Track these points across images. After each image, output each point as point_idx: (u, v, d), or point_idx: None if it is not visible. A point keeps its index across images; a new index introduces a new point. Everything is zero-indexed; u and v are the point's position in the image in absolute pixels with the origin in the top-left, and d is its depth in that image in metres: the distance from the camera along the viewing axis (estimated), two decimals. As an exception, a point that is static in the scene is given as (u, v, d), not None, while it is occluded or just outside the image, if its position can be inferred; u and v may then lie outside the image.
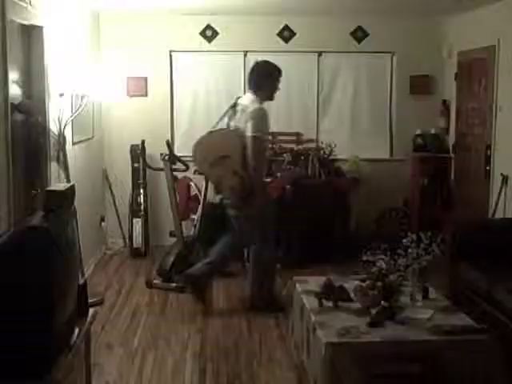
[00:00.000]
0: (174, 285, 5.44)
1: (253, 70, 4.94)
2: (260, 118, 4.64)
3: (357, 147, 7.02)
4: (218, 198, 5.19)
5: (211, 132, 4.91)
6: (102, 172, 6.90)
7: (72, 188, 3.20)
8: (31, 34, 4.61)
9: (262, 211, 4.76)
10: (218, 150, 4.65)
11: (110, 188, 6.94)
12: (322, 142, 6.91)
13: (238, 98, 4.94)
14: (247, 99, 4.82)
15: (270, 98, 4.86)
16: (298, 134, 7.06)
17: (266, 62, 4.97)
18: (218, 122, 4.98)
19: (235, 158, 4.59)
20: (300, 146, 6.97)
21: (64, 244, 2.94)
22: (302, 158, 6.70)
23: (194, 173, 6.00)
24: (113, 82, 6.64)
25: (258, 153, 4.63)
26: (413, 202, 6.91)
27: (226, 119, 4.97)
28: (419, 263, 3.66)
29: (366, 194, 6.61)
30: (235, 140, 4.64)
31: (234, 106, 4.84)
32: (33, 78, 4.65)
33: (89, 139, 6.18)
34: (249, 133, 4.60)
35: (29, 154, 4.49)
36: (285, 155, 6.75)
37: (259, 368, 3.94)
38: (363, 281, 3.82)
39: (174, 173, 5.83)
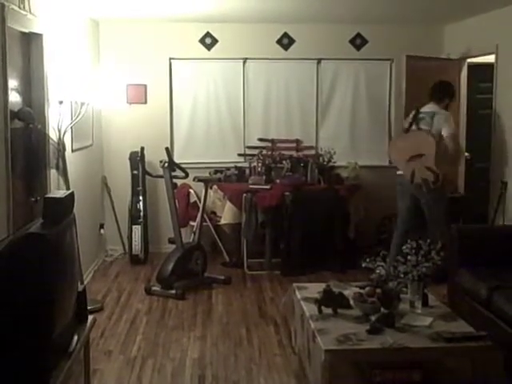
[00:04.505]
0: (173, 292, 5.44)
1: (439, 85, 5.82)
2: (450, 120, 5.61)
3: (356, 154, 7.03)
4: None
5: (405, 133, 5.81)
6: (102, 179, 6.90)
7: (71, 195, 3.20)
8: (31, 42, 4.62)
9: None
10: (414, 149, 5.53)
11: (110, 195, 6.94)
12: (322, 149, 6.93)
13: (419, 107, 5.74)
14: (432, 107, 5.68)
15: (446, 109, 5.75)
16: (297, 141, 7.07)
17: (449, 84, 5.91)
18: (409, 126, 5.75)
19: (430, 157, 5.43)
20: (299, 153, 6.98)
21: (63, 251, 2.94)
22: (302, 164, 6.71)
23: (194, 180, 6.02)
24: (112, 90, 6.67)
25: (456, 144, 5.63)
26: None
27: (407, 124, 5.82)
28: (419, 270, 3.66)
29: (366, 200, 6.61)
30: (431, 142, 5.45)
31: (417, 113, 5.70)
32: (32, 85, 4.66)
33: (88, 146, 6.19)
34: (446, 133, 5.50)
35: (28, 162, 4.49)
36: (284, 162, 6.76)
37: (259, 375, 3.93)
38: (363, 288, 3.82)
39: (174, 180, 5.83)
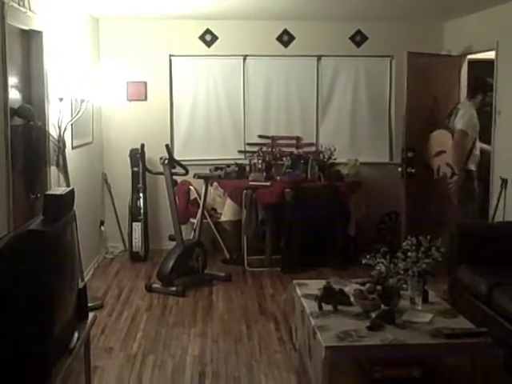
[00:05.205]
0: (173, 289, 5.44)
1: (472, 80, 5.97)
2: (469, 117, 5.59)
3: (356, 151, 7.03)
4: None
5: (440, 130, 5.93)
6: (102, 176, 6.90)
7: (71, 192, 3.20)
8: (31, 39, 4.62)
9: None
10: (440, 145, 5.79)
11: (110, 192, 6.94)
12: (322, 146, 6.93)
13: (458, 103, 5.87)
14: (461, 104, 5.80)
15: (480, 108, 5.75)
16: (297, 138, 7.07)
17: (481, 78, 5.90)
18: (448, 122, 5.87)
19: (449, 153, 5.64)
20: (300, 150, 6.98)
21: (63, 248, 2.94)
22: (302, 161, 6.71)
23: (194, 176, 6.02)
24: (112, 87, 6.66)
25: (458, 144, 5.57)
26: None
27: (447, 121, 5.91)
28: (419, 267, 3.66)
29: (366, 197, 6.61)
30: (450, 139, 5.61)
31: (453, 108, 5.80)
32: (32, 82, 4.65)
33: (88, 143, 6.19)
34: (459, 126, 5.55)
35: (28, 159, 4.49)
36: (284, 159, 6.76)
37: (259, 371, 3.93)
38: (363, 284, 3.82)
39: (174, 177, 5.83)
